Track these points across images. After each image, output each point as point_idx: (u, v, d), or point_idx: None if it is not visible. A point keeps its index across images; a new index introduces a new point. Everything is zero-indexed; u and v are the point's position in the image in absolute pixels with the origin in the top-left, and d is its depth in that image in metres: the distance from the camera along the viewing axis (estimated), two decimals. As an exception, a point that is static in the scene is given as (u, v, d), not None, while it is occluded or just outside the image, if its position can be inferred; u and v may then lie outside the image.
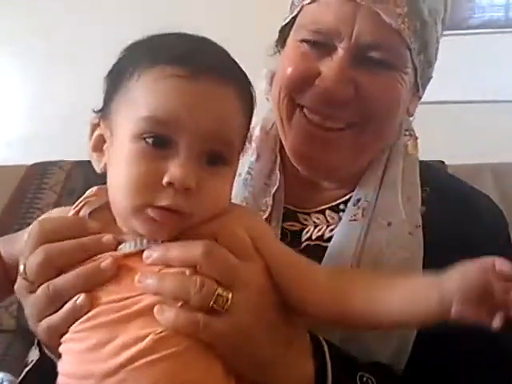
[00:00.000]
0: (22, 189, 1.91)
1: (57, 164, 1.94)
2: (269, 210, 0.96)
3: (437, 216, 0.93)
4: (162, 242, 0.71)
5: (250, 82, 0.77)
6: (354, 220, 0.92)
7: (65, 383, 0.70)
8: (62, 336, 0.71)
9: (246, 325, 0.70)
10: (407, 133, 0.99)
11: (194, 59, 0.70)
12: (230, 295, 0.69)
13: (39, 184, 1.90)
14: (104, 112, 0.75)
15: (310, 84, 0.90)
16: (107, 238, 0.72)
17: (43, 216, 0.78)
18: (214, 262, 0.70)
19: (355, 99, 0.89)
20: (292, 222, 0.98)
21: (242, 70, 0.76)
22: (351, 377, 0.78)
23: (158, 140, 0.68)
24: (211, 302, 0.68)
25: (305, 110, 0.92)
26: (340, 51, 0.88)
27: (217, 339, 0.69)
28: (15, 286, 0.74)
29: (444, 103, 2.06)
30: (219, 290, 0.69)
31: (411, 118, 1.00)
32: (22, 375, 0.87)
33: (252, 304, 0.71)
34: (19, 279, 0.73)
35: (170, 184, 0.67)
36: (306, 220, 0.98)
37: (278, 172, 0.98)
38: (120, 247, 0.71)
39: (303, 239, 0.96)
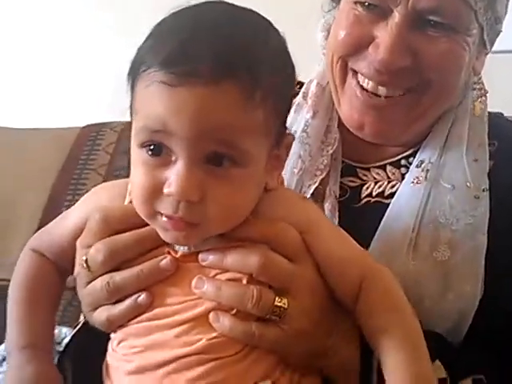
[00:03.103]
0: (76, 150, 1.93)
1: (108, 125, 1.95)
2: (327, 169, 0.94)
3: (507, 171, 0.89)
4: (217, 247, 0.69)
5: (269, 69, 0.68)
6: (417, 183, 0.89)
7: (119, 370, 0.71)
8: (119, 327, 0.72)
9: (300, 329, 0.70)
10: (476, 86, 0.95)
11: (180, 61, 0.64)
12: (287, 304, 0.68)
13: (92, 145, 1.92)
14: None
15: (363, 50, 0.87)
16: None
17: (97, 189, 0.78)
18: (270, 271, 0.69)
19: (413, 67, 0.85)
20: (351, 178, 0.96)
21: (251, 58, 0.66)
22: None
23: (156, 148, 0.65)
24: (268, 314, 0.68)
25: (358, 76, 0.89)
26: (396, 16, 0.83)
27: (271, 346, 0.69)
28: (75, 274, 0.75)
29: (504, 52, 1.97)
30: (276, 301, 0.68)
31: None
32: (73, 332, 0.90)
33: (306, 307, 0.70)
34: (79, 268, 0.73)
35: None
36: (365, 176, 0.95)
37: (335, 131, 0.96)
38: (176, 246, 0.71)
39: (363, 195, 0.94)
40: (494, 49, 0.94)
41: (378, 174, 0.95)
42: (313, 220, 0.73)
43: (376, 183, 0.94)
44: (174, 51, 0.64)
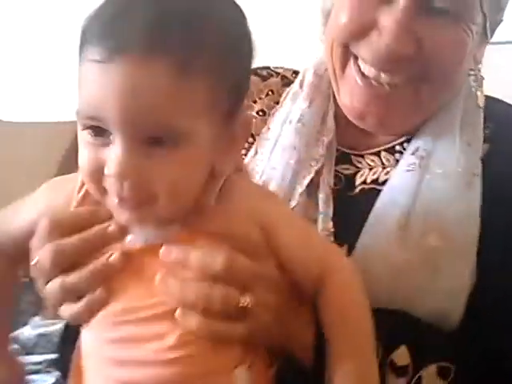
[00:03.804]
0: (77, 143, 1.94)
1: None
2: (322, 159, 0.92)
3: (502, 155, 0.88)
4: (177, 241, 0.68)
5: (210, 43, 0.63)
6: (411, 170, 0.88)
7: (87, 357, 0.71)
8: (86, 321, 0.71)
9: (265, 323, 0.70)
10: (472, 73, 0.93)
11: (111, 35, 0.61)
12: (250, 303, 0.68)
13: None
14: None
15: (365, 35, 0.84)
16: (112, 229, 0.70)
17: (50, 184, 0.77)
18: (234, 272, 0.68)
19: (417, 54, 0.83)
20: (345, 165, 0.94)
21: (187, 30, 0.62)
22: None
23: (95, 130, 0.64)
24: (233, 313, 0.68)
25: (359, 62, 0.87)
26: (401, 1, 0.81)
27: (237, 340, 0.69)
28: (31, 273, 0.74)
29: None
30: (241, 301, 0.67)
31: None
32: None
33: (270, 303, 0.70)
34: (33, 269, 0.73)
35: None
36: (359, 163, 0.94)
37: (331, 120, 0.94)
38: (129, 239, 0.69)
39: (357, 183, 0.93)
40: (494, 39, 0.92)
41: (372, 160, 0.93)
42: (275, 217, 0.71)
43: (370, 170, 0.93)
44: (106, 24, 0.62)
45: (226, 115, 0.67)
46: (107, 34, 0.61)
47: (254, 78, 1.02)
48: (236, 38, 0.67)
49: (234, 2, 0.69)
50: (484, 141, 0.90)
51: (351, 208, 0.89)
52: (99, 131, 0.64)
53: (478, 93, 0.93)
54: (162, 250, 0.68)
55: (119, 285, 0.69)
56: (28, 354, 0.90)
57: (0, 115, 2.24)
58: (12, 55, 2.54)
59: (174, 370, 0.66)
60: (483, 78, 0.94)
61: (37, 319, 1.57)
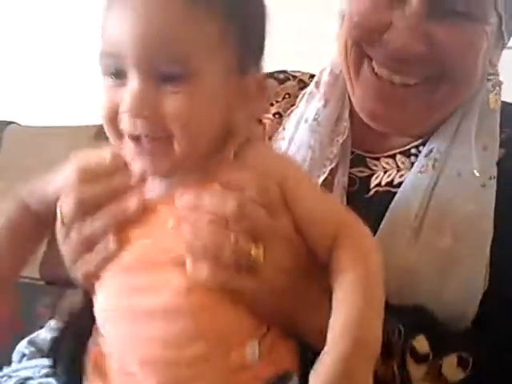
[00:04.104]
0: (93, 148, 1.95)
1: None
2: (336, 158, 0.92)
3: None
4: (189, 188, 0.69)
5: None
6: (424, 172, 0.88)
7: (103, 318, 0.71)
8: (98, 278, 0.71)
9: (276, 283, 0.69)
10: (491, 77, 0.92)
11: None
12: (262, 255, 0.67)
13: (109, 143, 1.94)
14: None
15: (379, 36, 0.85)
16: (135, 178, 0.71)
17: (78, 153, 0.77)
18: (247, 219, 0.67)
19: (429, 55, 0.83)
20: (361, 168, 0.95)
21: None
22: None
23: (115, 73, 0.67)
24: (244, 261, 0.67)
25: (373, 63, 0.87)
26: (413, 1, 0.81)
27: (247, 296, 0.68)
28: (56, 230, 0.74)
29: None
30: (253, 250, 0.67)
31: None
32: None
33: (282, 262, 0.69)
34: (57, 223, 0.73)
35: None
36: (375, 165, 0.94)
37: (345, 120, 0.94)
38: (148, 189, 0.71)
39: (372, 185, 0.93)
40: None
41: (387, 163, 0.93)
42: (292, 175, 0.72)
43: (385, 172, 0.93)
44: None
45: (237, 64, 0.69)
46: None
47: (271, 81, 1.03)
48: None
49: None
50: (500, 145, 0.89)
51: (365, 210, 0.87)
52: (117, 74, 0.66)
53: (491, 95, 0.92)
54: (176, 197, 0.68)
55: (131, 234, 0.69)
56: (43, 356, 0.91)
57: (18, 120, 2.26)
58: (30, 60, 2.56)
59: (183, 322, 0.66)
60: (501, 83, 0.93)
61: (53, 323, 1.57)
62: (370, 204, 0.91)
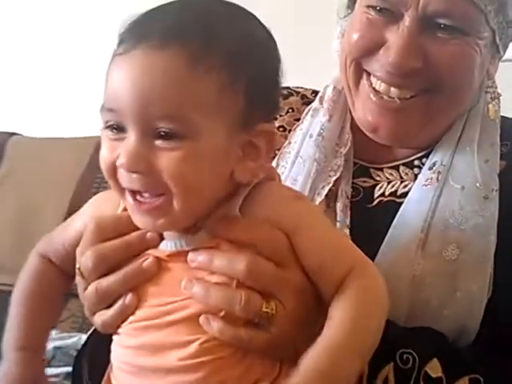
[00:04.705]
0: (96, 159, 1.96)
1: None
2: (340, 169, 0.95)
3: None
4: (204, 248, 0.69)
5: (227, 43, 0.66)
6: (428, 185, 0.90)
7: (117, 367, 0.73)
8: (116, 329, 0.73)
9: (288, 333, 0.70)
10: (489, 90, 0.96)
11: (134, 31, 0.66)
12: (274, 309, 0.68)
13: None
14: None
15: (375, 53, 0.89)
16: (151, 235, 0.72)
17: (96, 197, 0.79)
18: (256, 277, 0.68)
19: (424, 69, 0.87)
20: (364, 178, 0.97)
21: (206, 27, 0.66)
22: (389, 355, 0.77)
23: (115, 127, 0.67)
24: (256, 318, 0.68)
25: (371, 78, 0.91)
26: (407, 19, 0.85)
27: (260, 348, 0.69)
28: (75, 281, 0.77)
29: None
30: (264, 307, 0.68)
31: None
32: (89, 333, 0.91)
33: (293, 311, 0.70)
34: (77, 275, 0.75)
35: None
36: (378, 176, 0.97)
37: (348, 131, 0.97)
38: (161, 246, 0.71)
39: (376, 195, 0.95)
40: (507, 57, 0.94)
41: (391, 174, 0.96)
42: (305, 224, 0.71)
43: (389, 183, 0.96)
44: (134, 24, 0.67)
45: (242, 120, 0.68)
46: (131, 30, 0.67)
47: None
48: (255, 47, 0.70)
49: (260, 21, 0.72)
50: (501, 158, 0.92)
51: (369, 219, 0.92)
52: (117, 128, 0.67)
53: (490, 106, 0.95)
54: (190, 255, 0.69)
55: (146, 291, 0.71)
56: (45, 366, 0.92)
57: (22, 131, 2.27)
58: (34, 71, 2.58)
59: (196, 377, 0.67)
60: (500, 95, 0.97)
61: (54, 332, 1.59)
62: (375, 213, 0.94)
